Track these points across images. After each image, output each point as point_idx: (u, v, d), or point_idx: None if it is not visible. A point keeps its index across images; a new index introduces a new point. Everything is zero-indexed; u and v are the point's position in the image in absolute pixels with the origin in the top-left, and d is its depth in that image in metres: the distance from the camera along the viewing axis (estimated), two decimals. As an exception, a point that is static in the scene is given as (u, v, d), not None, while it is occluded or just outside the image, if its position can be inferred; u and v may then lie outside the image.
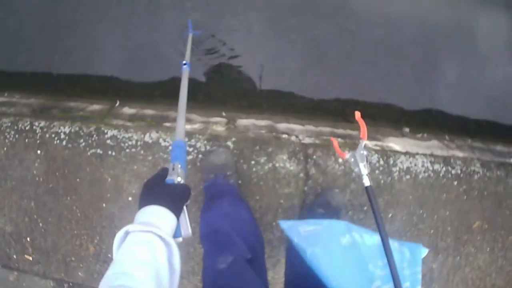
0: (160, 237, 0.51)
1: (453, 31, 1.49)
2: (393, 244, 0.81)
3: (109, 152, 1.35)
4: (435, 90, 1.46)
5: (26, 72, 1.69)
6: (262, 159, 1.27)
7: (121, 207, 1.38)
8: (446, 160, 1.49)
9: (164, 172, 0.65)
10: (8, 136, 1.52)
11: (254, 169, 1.27)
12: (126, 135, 1.33)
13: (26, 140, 1.48)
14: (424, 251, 0.85)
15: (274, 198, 1.28)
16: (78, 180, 1.42)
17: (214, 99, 1.47)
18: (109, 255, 1.48)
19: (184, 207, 0.63)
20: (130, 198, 1.36)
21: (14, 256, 1.64)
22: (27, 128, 1.49)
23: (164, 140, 1.30)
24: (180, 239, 0.60)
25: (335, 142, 0.91)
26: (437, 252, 1.47)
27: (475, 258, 1.55)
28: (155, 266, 0.48)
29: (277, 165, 1.27)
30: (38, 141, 1.46)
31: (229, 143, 1.28)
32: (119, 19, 1.55)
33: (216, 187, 1.17)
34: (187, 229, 0.62)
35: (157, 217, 0.55)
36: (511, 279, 1.62)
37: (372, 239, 0.80)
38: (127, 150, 1.33)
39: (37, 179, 1.49)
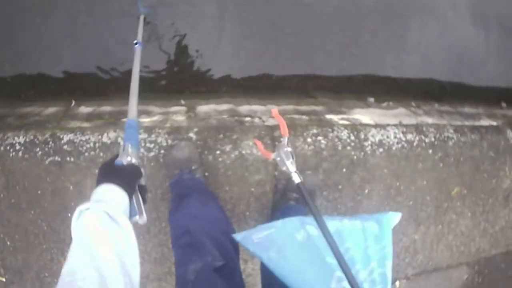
0: (112, 218, 0.53)
1: None
2: (355, 225, 0.78)
3: (68, 158, 1.28)
4: (395, 56, 1.43)
5: None
6: (228, 148, 1.22)
7: (88, 214, 1.32)
8: (418, 129, 1.46)
9: (117, 155, 0.69)
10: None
11: (220, 159, 1.22)
12: (83, 138, 1.26)
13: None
14: (395, 216, 0.82)
15: (245, 187, 1.24)
16: (39, 192, 1.35)
17: (171, 87, 1.41)
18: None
19: (137, 189, 0.66)
20: (95, 204, 1.30)
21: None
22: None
23: (121, 138, 1.24)
24: (137, 218, 0.63)
25: (259, 143, 0.89)
26: (419, 222, 1.45)
27: (457, 225, 1.54)
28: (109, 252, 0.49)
29: (243, 152, 1.22)
30: (-9, 157, 1.38)
31: (191, 135, 1.23)
32: (65, 16, 1.47)
33: (182, 184, 1.12)
34: (142, 211, 0.64)
35: (108, 194, 0.59)
36: (495, 241, 1.62)
37: (334, 221, 0.77)
38: (86, 154, 1.26)
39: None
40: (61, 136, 1.29)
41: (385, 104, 1.38)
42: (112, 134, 1.25)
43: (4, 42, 1.57)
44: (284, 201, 1.22)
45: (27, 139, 1.33)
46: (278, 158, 0.79)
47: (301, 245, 0.77)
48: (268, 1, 1.38)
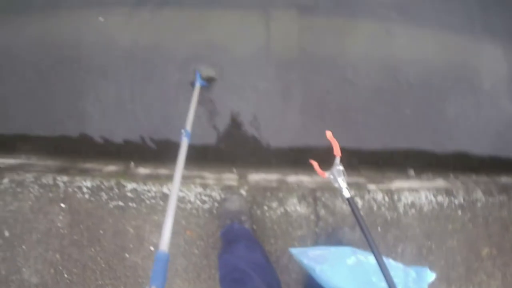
0: None
1: (450, 71, 1.59)
2: (398, 265, 0.88)
3: (130, 204, 1.44)
4: (436, 130, 1.54)
5: (42, 136, 1.79)
6: (274, 204, 1.35)
7: (144, 256, 1.45)
8: (448, 191, 1.56)
9: None
10: (32, 191, 1.62)
11: (267, 214, 1.35)
12: (145, 188, 1.42)
13: (50, 194, 1.58)
14: (431, 275, 0.88)
15: (288, 241, 1.35)
16: (101, 231, 1.50)
17: (223, 157, 1.55)
18: (132, 303, 1.53)
19: None
20: (152, 248, 1.44)
21: (38, 306, 1.70)
22: (50, 183, 1.59)
23: (181, 191, 1.39)
24: None
25: (315, 164, 0.98)
26: (450, 282, 1.51)
27: (488, 286, 1.58)
28: None
29: (288, 209, 1.34)
30: (61, 195, 1.56)
31: (242, 191, 1.37)
32: (128, 85, 1.68)
33: (232, 232, 1.24)
34: None
35: None
36: (525, 303, 1.64)
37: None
38: (147, 202, 1.42)
39: (61, 231, 1.58)
40: (125, 184, 1.46)
41: (424, 175, 1.49)
42: (171, 187, 1.41)
43: (70, 102, 1.77)
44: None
45: (94, 184, 1.51)
46: (332, 176, 0.89)
47: (350, 267, 0.86)
48: (316, 80, 1.54)
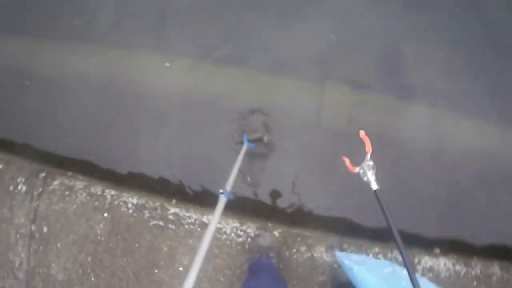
0: None
1: (487, 162, 1.67)
2: (431, 285, 0.92)
3: (169, 226, 1.56)
4: (466, 217, 1.61)
5: (91, 162, 1.88)
6: (303, 249, 1.45)
7: (172, 275, 1.55)
8: (466, 262, 1.63)
9: None
10: (79, 196, 1.76)
11: (294, 256, 1.45)
12: (187, 214, 1.55)
13: (96, 203, 1.72)
14: None
15: (310, 284, 1.44)
16: (137, 245, 1.62)
17: (261, 212, 1.61)
18: (151, 318, 1.61)
19: None
20: (181, 268, 1.54)
21: (59, 303, 1.79)
22: (98, 193, 1.73)
23: (220, 223, 1.51)
24: None
25: (347, 160, 1.04)
26: None
27: None
28: None
29: (315, 255, 1.44)
30: (106, 206, 1.69)
31: (275, 233, 1.48)
32: (178, 129, 1.79)
33: (259, 265, 1.34)
34: None
35: None
36: None
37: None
38: (186, 226, 1.54)
39: (98, 238, 1.70)
40: (169, 208, 1.59)
41: (450, 255, 1.56)
42: (211, 217, 1.53)
43: (123, 136, 1.89)
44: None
45: (139, 202, 1.64)
46: (362, 171, 0.94)
47: (385, 274, 0.93)
48: (361, 154, 1.63)
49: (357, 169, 0.97)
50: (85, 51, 2.03)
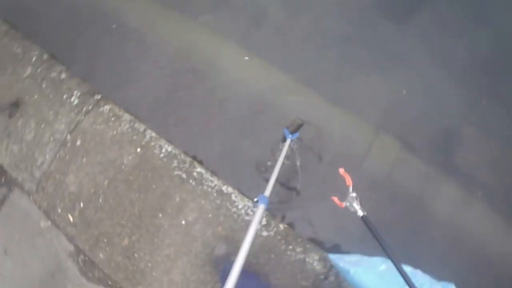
0: None
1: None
2: (425, 277, 0.97)
3: (190, 181, 1.72)
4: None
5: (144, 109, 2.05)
6: (299, 249, 1.56)
7: (172, 224, 1.68)
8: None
9: None
10: (122, 126, 1.94)
11: (288, 253, 1.55)
12: (210, 178, 1.70)
13: (134, 137, 1.89)
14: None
15: (291, 282, 1.52)
16: (154, 186, 1.76)
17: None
18: (135, 255, 1.72)
19: None
20: (183, 222, 1.67)
21: (59, 210, 1.92)
22: (140, 129, 1.91)
23: (235, 197, 1.66)
24: None
25: (335, 198, 1.13)
26: None
27: None
28: None
29: (307, 260, 1.55)
30: (143, 143, 1.87)
31: (281, 226, 1.61)
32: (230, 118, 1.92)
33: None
34: None
35: None
36: None
37: (406, 268, 0.94)
38: (204, 187, 1.69)
39: (123, 167, 1.85)
40: (197, 166, 1.75)
41: None
42: (230, 189, 1.68)
43: (172, 107, 2.15)
44: None
45: (173, 151, 1.81)
46: (348, 203, 1.04)
47: (382, 272, 0.96)
48: (392, 208, 1.70)
49: (344, 204, 1.08)
50: (176, 20, 2.28)
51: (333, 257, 1.16)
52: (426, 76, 2.01)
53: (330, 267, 1.54)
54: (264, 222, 1.60)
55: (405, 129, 1.90)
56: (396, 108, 1.95)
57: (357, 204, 1.05)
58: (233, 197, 1.65)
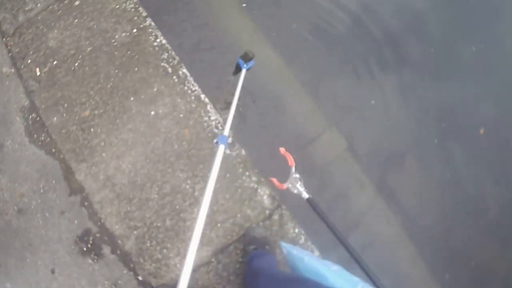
0: None
1: None
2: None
3: (174, 77, 1.64)
4: None
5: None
6: (254, 178, 1.53)
7: (140, 111, 1.61)
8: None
9: None
10: (127, 4, 1.82)
11: (243, 178, 1.52)
12: (193, 83, 1.63)
13: (135, 18, 1.78)
14: None
15: (237, 206, 1.48)
16: (136, 69, 1.67)
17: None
18: (92, 130, 1.63)
19: None
20: (152, 113, 1.60)
21: (28, 61, 1.80)
22: (143, 14, 1.79)
23: (211, 108, 1.60)
24: None
25: (274, 180, 1.08)
26: None
27: None
28: None
29: (258, 190, 1.52)
30: (140, 26, 1.76)
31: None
32: None
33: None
34: None
35: None
36: None
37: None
38: (185, 88, 1.62)
39: (112, 41, 1.75)
40: (184, 67, 1.67)
41: None
42: (207, 100, 1.62)
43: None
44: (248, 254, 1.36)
45: (166, 46, 1.71)
46: (290, 185, 0.99)
47: (334, 270, 0.89)
48: None
49: (285, 185, 1.02)
50: None
51: (285, 245, 1.09)
52: (392, 103, 2.07)
53: (278, 206, 1.52)
54: (229, 140, 1.55)
55: (356, 135, 1.99)
56: (357, 113, 2.03)
57: (301, 185, 0.99)
58: (208, 108, 1.60)
